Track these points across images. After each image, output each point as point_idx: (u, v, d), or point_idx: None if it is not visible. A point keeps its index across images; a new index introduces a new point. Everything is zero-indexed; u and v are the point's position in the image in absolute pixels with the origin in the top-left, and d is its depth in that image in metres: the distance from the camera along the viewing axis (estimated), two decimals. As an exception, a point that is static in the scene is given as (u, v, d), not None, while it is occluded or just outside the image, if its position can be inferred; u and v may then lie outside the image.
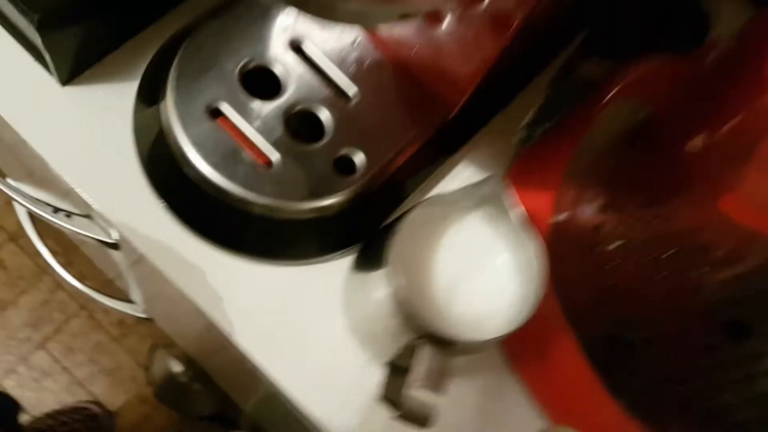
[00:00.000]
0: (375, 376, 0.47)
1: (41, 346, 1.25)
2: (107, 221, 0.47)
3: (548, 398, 0.48)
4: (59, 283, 1.27)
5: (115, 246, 0.59)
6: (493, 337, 0.38)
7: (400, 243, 0.39)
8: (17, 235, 1.29)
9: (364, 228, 0.49)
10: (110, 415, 1.20)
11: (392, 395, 0.44)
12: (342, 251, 0.48)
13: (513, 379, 0.49)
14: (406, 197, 0.50)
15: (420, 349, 0.38)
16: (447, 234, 0.43)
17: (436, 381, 0.37)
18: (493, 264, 0.42)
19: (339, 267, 0.49)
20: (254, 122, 0.45)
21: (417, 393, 0.37)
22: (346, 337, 0.47)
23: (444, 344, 0.38)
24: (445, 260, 0.42)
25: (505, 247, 0.42)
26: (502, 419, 0.49)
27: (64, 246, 1.23)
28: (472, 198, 0.42)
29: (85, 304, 1.27)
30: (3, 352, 1.24)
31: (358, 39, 0.48)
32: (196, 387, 1.17)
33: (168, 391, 1.19)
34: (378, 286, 0.41)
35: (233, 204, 0.44)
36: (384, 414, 0.44)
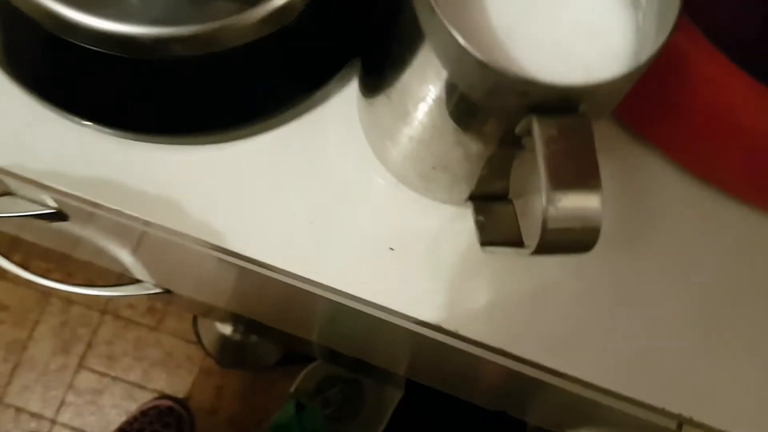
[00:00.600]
0: (454, 233, 0.32)
1: (80, 366, 1.13)
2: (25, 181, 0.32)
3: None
4: (69, 299, 1.15)
5: (61, 216, 0.43)
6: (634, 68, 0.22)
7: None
8: (2, 272, 1.14)
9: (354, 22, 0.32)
10: (181, 402, 1.09)
11: (505, 229, 0.29)
12: (339, 71, 0.32)
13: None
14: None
15: (535, 128, 0.22)
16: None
17: (586, 169, 0.22)
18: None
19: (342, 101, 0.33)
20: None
21: (561, 199, 0.21)
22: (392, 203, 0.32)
23: (563, 106, 0.22)
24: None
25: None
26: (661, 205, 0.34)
27: (56, 260, 1.08)
28: None
29: (105, 308, 1.15)
30: (46, 390, 1.12)
31: None
32: (253, 339, 1.06)
33: (229, 354, 1.09)
34: (417, 85, 0.25)
35: (158, 64, 0.28)
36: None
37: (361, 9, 0.33)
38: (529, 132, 0.23)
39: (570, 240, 0.22)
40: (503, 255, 0.32)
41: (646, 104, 0.32)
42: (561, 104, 0.22)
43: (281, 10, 0.28)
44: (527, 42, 0.26)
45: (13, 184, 0.40)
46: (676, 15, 0.23)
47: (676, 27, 0.23)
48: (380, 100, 0.29)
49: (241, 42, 0.28)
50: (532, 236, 0.24)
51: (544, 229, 0.22)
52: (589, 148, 0.22)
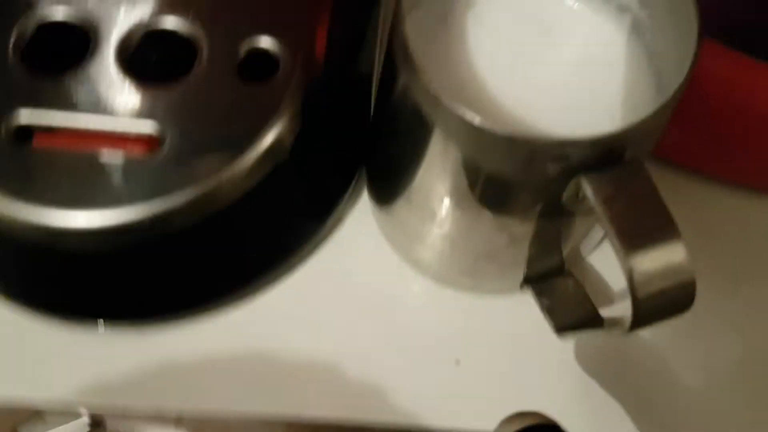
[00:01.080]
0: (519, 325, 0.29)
1: None
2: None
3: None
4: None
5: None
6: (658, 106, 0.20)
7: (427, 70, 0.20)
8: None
9: (347, 139, 0.30)
10: None
11: (576, 307, 0.26)
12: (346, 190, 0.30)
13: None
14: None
15: (588, 192, 0.19)
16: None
17: (658, 219, 0.19)
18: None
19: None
20: (88, 104, 0.26)
21: (644, 262, 0.18)
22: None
23: (608, 159, 0.20)
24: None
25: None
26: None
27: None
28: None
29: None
30: None
31: None
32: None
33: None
34: (437, 180, 0.23)
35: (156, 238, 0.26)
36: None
37: (354, 121, 0.31)
38: (577, 196, 0.20)
39: (666, 303, 0.19)
40: (587, 338, 0.28)
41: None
42: (605, 157, 0.20)
43: (273, 147, 0.26)
44: (537, 98, 0.24)
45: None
46: (696, 31, 0.21)
47: (701, 43, 0.20)
48: (399, 205, 0.27)
49: (240, 192, 0.26)
50: (613, 308, 0.21)
51: (636, 300, 0.19)
52: (653, 196, 0.19)
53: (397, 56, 0.22)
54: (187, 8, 0.28)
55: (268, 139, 0.27)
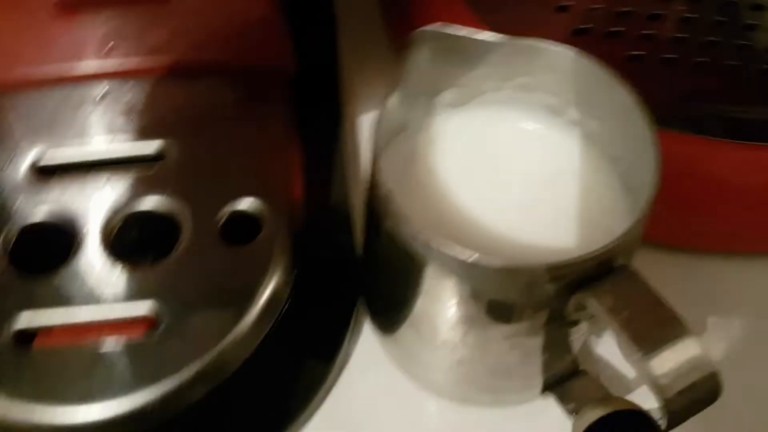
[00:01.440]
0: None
1: None
2: None
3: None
4: None
5: None
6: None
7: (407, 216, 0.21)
8: None
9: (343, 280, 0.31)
10: None
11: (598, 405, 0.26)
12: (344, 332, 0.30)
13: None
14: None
15: (593, 306, 0.20)
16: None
17: (665, 319, 0.19)
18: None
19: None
20: (82, 296, 0.26)
21: (663, 363, 0.19)
22: None
23: (602, 270, 0.20)
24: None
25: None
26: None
27: None
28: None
29: None
30: None
31: (104, 89, 0.30)
32: None
33: None
34: (443, 311, 0.24)
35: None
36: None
37: (343, 258, 0.31)
38: (582, 307, 0.21)
39: (694, 399, 0.19)
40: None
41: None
42: (599, 269, 0.20)
43: (269, 304, 0.27)
44: (515, 218, 0.25)
45: None
46: (650, 136, 0.22)
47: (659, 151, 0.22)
48: (406, 334, 0.27)
49: (245, 354, 0.26)
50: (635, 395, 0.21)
51: (666, 402, 0.19)
52: (653, 297, 0.20)
53: (380, 207, 0.22)
54: (162, 186, 0.28)
55: (264, 297, 0.27)
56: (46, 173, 0.29)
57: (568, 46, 0.25)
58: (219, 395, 0.26)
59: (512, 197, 0.26)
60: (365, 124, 0.36)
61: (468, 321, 0.23)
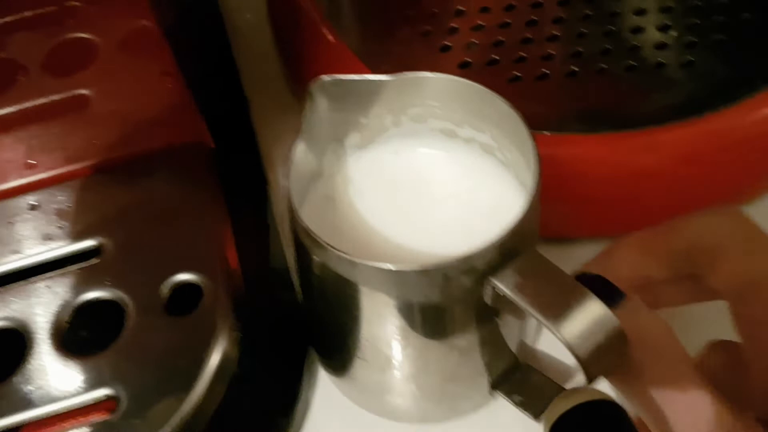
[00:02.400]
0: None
1: None
2: None
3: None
4: None
5: None
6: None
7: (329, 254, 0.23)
8: None
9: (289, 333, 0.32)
10: None
11: (547, 391, 0.27)
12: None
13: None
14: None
15: (502, 288, 0.22)
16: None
17: (567, 286, 0.22)
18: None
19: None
20: (39, 399, 0.27)
21: (572, 325, 0.21)
22: None
23: (506, 256, 0.23)
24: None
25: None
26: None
27: None
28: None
29: None
30: None
31: (34, 203, 0.32)
32: None
33: None
34: (382, 330, 0.26)
35: None
36: None
37: (288, 310, 0.33)
38: (497, 296, 0.23)
39: (607, 353, 0.21)
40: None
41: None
42: (505, 256, 0.23)
43: (222, 366, 0.28)
44: (431, 234, 0.27)
45: None
46: (531, 140, 0.25)
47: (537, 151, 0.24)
48: (356, 366, 0.28)
49: (205, 419, 0.27)
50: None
51: (582, 360, 0.21)
52: (554, 270, 0.22)
53: (307, 246, 0.24)
54: (102, 278, 0.30)
55: (214, 362, 0.28)
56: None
57: (446, 74, 0.27)
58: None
59: (426, 217, 0.28)
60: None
61: (404, 333, 0.25)
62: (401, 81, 0.28)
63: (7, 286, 0.30)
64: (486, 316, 0.25)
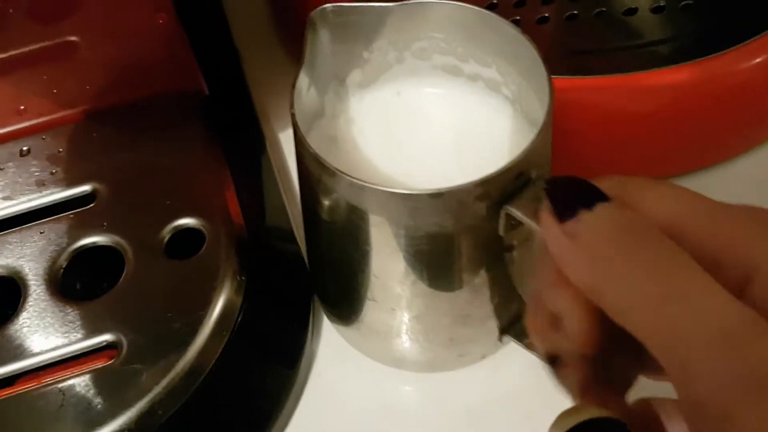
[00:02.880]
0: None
1: None
2: None
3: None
4: None
5: None
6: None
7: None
8: None
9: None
10: None
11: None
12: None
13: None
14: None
15: (514, 210, 0.22)
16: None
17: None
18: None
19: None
20: (41, 342, 0.26)
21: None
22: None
23: (521, 184, 0.22)
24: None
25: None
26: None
27: None
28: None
29: None
30: None
31: (26, 149, 0.31)
32: None
33: None
34: (391, 264, 0.25)
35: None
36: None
37: (291, 261, 0.32)
38: (511, 226, 0.23)
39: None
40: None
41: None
42: (519, 184, 0.22)
43: (225, 309, 0.27)
44: (445, 174, 0.26)
45: None
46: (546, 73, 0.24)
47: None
48: (366, 310, 0.28)
49: (209, 364, 0.27)
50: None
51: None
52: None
53: (314, 174, 0.24)
54: (99, 223, 0.29)
55: (218, 305, 0.27)
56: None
57: (451, 1, 0.27)
58: (187, 411, 0.26)
59: (431, 159, 0.27)
60: (283, 134, 0.37)
61: (415, 267, 0.24)
62: (405, 9, 0.27)
63: (0, 233, 0.29)
64: (498, 250, 0.24)
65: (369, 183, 0.22)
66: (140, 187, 0.30)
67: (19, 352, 0.26)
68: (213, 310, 0.27)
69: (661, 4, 0.35)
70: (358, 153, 0.28)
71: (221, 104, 0.33)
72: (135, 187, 0.30)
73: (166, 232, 0.29)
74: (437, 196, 0.21)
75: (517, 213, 0.22)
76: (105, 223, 0.29)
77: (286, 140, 0.37)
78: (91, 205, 0.30)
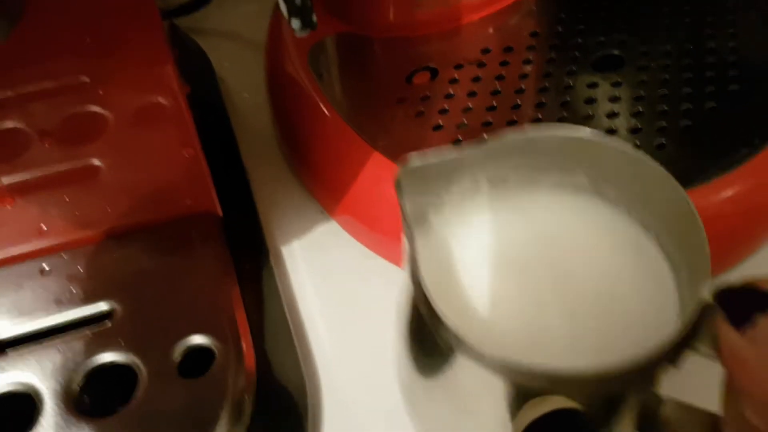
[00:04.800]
0: None
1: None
2: None
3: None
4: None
5: None
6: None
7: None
8: None
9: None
10: None
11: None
12: None
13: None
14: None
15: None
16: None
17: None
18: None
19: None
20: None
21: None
22: None
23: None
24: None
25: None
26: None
27: None
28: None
29: None
30: None
31: (46, 267, 0.33)
32: None
33: None
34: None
35: None
36: None
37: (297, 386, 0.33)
38: None
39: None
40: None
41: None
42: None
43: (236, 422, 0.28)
44: (568, 324, 0.25)
45: None
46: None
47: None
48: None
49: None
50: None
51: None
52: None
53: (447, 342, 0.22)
54: (115, 341, 0.30)
55: (227, 424, 0.29)
56: (2, 347, 0.30)
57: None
58: None
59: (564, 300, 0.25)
60: (285, 247, 0.40)
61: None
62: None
63: (18, 348, 0.30)
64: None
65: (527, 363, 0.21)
66: (156, 306, 0.32)
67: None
68: (222, 426, 0.29)
69: (637, 143, 0.38)
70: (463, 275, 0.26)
71: (233, 224, 0.35)
72: (151, 306, 0.32)
73: (179, 351, 0.30)
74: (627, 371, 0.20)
75: (706, 351, 0.21)
76: (121, 342, 0.30)
77: (288, 254, 0.39)
78: (108, 323, 0.31)
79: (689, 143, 0.38)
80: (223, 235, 0.34)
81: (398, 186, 0.25)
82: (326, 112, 0.39)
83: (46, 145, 0.33)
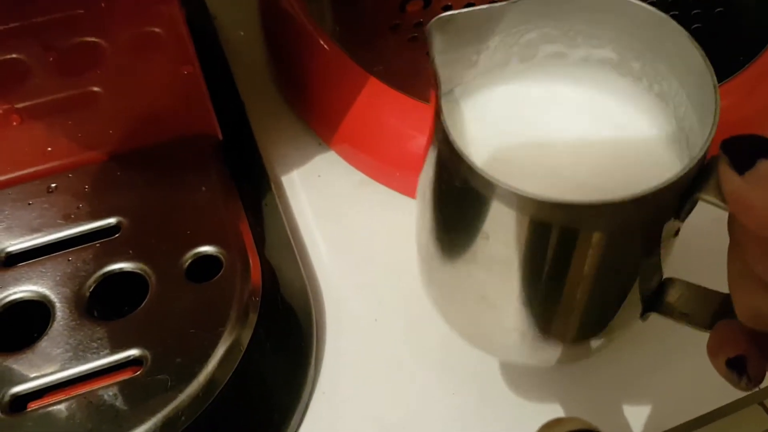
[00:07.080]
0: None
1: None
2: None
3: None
4: None
5: None
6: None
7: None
8: None
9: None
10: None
11: (705, 301, 0.27)
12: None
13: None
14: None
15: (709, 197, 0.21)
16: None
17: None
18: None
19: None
20: (70, 357, 0.28)
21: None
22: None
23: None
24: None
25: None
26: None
27: None
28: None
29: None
30: None
31: (53, 185, 0.33)
32: None
33: None
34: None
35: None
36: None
37: (301, 294, 0.34)
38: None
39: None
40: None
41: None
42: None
43: (242, 326, 0.30)
44: (582, 168, 0.26)
45: None
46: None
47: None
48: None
49: (227, 374, 0.29)
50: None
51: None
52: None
53: (474, 185, 0.23)
54: (124, 250, 0.31)
55: (236, 324, 0.30)
56: (14, 260, 0.31)
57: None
58: (207, 418, 0.28)
59: (577, 146, 0.26)
60: (286, 182, 0.41)
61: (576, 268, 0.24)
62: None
63: (30, 262, 0.31)
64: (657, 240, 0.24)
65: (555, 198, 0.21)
66: (162, 220, 0.32)
67: (50, 367, 0.28)
68: (230, 326, 0.30)
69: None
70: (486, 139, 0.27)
71: (233, 152, 0.36)
72: (157, 220, 0.32)
73: (187, 258, 0.31)
74: (640, 200, 0.21)
75: (711, 199, 0.21)
76: (131, 251, 0.31)
77: (288, 183, 0.41)
78: (116, 235, 0.32)
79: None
80: (223, 157, 0.35)
81: (429, 37, 0.25)
82: (320, 40, 0.40)
83: (50, 69, 0.33)
